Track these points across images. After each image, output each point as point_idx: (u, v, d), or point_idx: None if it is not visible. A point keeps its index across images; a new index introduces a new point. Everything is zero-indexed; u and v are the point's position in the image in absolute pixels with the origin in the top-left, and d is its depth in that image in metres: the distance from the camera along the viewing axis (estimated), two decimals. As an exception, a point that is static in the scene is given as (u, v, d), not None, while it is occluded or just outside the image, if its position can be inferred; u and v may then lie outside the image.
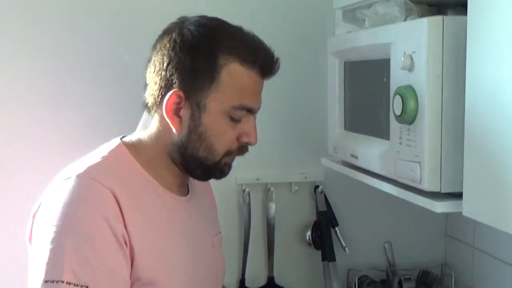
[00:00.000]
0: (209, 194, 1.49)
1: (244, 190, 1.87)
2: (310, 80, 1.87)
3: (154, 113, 1.22)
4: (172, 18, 1.23)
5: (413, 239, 1.97)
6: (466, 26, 1.10)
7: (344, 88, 1.65)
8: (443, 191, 1.19)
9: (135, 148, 1.24)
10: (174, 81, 1.17)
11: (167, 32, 1.21)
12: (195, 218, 1.31)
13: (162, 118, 1.20)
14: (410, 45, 1.21)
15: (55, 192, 1.13)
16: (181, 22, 1.21)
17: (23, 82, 1.76)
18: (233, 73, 1.17)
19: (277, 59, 1.23)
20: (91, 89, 1.78)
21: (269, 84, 1.77)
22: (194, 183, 1.36)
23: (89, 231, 1.08)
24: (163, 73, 1.18)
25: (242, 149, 1.24)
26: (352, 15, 1.69)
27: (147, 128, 1.24)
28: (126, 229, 1.11)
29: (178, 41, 1.17)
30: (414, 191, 1.25)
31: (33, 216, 1.17)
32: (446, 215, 1.92)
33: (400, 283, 1.86)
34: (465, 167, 1.12)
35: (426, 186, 1.19)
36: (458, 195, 1.16)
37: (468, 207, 1.12)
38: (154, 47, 1.22)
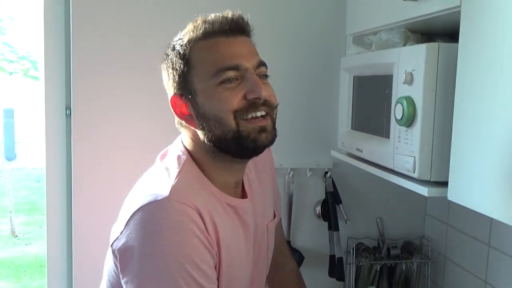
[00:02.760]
0: (267, 168, 1.29)
1: (270, 173, 1.86)
2: (325, 89, 1.86)
3: (180, 126, 1.10)
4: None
5: (399, 216, 1.95)
6: (456, 52, 1.09)
7: (353, 96, 1.64)
8: (432, 179, 1.18)
9: (197, 159, 1.06)
10: (170, 91, 1.07)
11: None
12: (252, 215, 1.15)
13: (184, 126, 1.08)
14: (411, 64, 1.20)
15: (141, 219, 0.93)
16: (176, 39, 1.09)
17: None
18: (199, 50, 1.02)
19: (238, 15, 1.04)
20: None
21: (292, 90, 1.81)
22: (251, 172, 1.19)
23: (191, 256, 0.92)
24: (167, 90, 1.09)
25: (253, 105, 1.01)
26: (360, 40, 1.68)
27: (185, 141, 1.09)
28: (211, 245, 0.98)
29: (164, 62, 1.08)
30: (409, 179, 1.24)
31: (114, 245, 0.97)
32: (426, 198, 1.90)
33: (388, 249, 1.85)
34: (451, 161, 1.11)
35: (419, 175, 1.19)
36: (443, 183, 1.15)
37: (452, 193, 1.11)
38: None
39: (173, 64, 1.04)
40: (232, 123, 1.00)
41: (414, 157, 1.19)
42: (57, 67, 1.73)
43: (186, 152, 1.07)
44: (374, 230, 1.94)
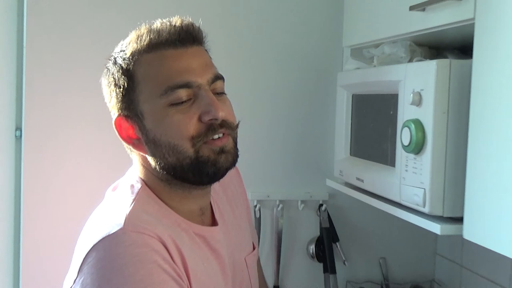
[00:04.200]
0: (238, 196, 1.31)
1: (256, 206, 1.88)
2: (319, 109, 1.89)
3: (130, 152, 1.10)
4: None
5: (405, 255, 1.98)
6: (470, 69, 1.13)
7: (351, 118, 1.68)
8: (445, 215, 1.21)
9: (150, 188, 1.07)
10: (113, 111, 1.07)
11: None
12: (226, 246, 1.14)
13: (132, 151, 1.09)
14: (419, 83, 1.24)
15: (96, 260, 0.92)
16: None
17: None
18: (145, 64, 1.01)
19: (187, 22, 1.04)
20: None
21: (282, 110, 1.84)
22: (220, 198, 1.21)
23: None
24: (110, 110, 1.08)
25: (211, 128, 1.01)
26: (359, 53, 1.72)
27: (137, 168, 1.10)
28: (181, 277, 0.96)
29: (104, 76, 1.08)
30: (418, 214, 1.26)
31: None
32: (437, 236, 1.94)
33: (393, 295, 1.87)
34: (466, 194, 1.14)
35: (430, 210, 1.21)
36: (457, 219, 1.19)
37: (468, 231, 1.14)
38: None
39: (115, 81, 1.04)
40: (189, 150, 1.01)
41: (424, 188, 1.22)
42: (7, 82, 1.75)
43: (140, 181, 1.08)
44: (376, 272, 1.96)
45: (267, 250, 1.91)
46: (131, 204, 1.01)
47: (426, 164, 1.21)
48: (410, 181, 1.27)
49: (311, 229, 1.93)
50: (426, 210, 1.22)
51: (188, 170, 1.02)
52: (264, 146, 1.87)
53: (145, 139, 1.03)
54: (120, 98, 1.04)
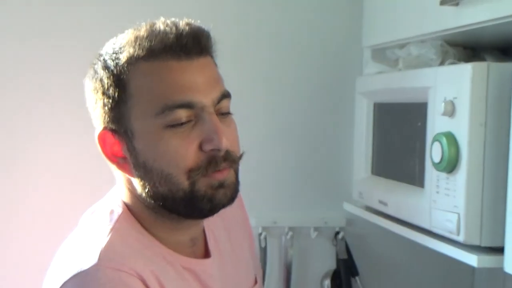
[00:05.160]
0: (238, 222, 1.30)
1: (261, 234, 1.87)
2: (335, 120, 1.89)
3: (112, 169, 1.07)
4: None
5: (437, 292, 1.97)
6: (511, 74, 1.13)
7: (373, 130, 1.68)
8: (483, 244, 1.20)
9: (133, 214, 1.06)
10: (97, 122, 1.04)
11: None
12: (221, 279, 1.13)
13: (116, 170, 1.06)
14: (451, 90, 1.23)
15: None
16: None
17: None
18: (141, 74, 0.99)
19: (196, 28, 1.01)
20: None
21: (291, 121, 1.84)
22: (216, 225, 1.20)
23: None
24: (92, 118, 1.06)
25: (212, 161, 0.99)
26: (382, 55, 1.72)
27: (120, 189, 1.09)
28: None
29: (90, 79, 1.05)
30: (451, 244, 1.25)
31: None
32: (474, 270, 1.92)
33: None
34: (507, 220, 1.13)
35: (465, 238, 1.20)
36: (497, 250, 1.17)
37: (510, 263, 1.12)
38: None
39: (103, 88, 1.01)
40: (184, 183, 0.99)
41: (458, 213, 1.21)
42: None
43: (122, 205, 1.06)
44: (403, 312, 1.95)
45: (275, 286, 1.90)
46: (108, 234, 0.99)
47: (461, 185, 1.20)
48: (442, 205, 1.26)
49: (326, 261, 1.92)
50: (460, 238, 1.21)
51: (180, 203, 1.01)
52: (271, 163, 1.87)
53: (133, 161, 1.01)
54: (107, 110, 1.01)
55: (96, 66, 1.04)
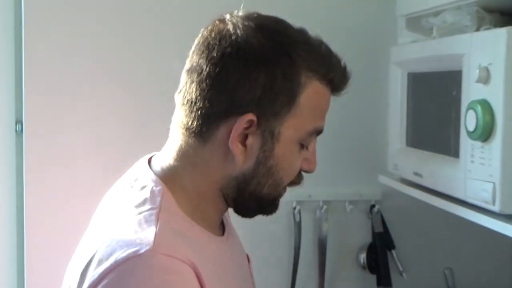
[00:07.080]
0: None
1: (295, 208, 1.88)
2: (369, 91, 1.88)
3: (202, 141, 1.03)
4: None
5: (476, 265, 1.96)
6: (548, 37, 1.11)
7: (407, 101, 1.66)
8: (519, 214, 1.19)
9: (175, 190, 1.04)
10: (243, 102, 1.00)
11: (218, 35, 1.02)
12: (235, 257, 1.18)
13: (216, 146, 1.03)
14: (486, 56, 1.22)
15: (118, 277, 0.91)
16: (233, 24, 1.02)
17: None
18: (312, 94, 1.03)
19: (350, 73, 1.09)
20: (138, 98, 1.82)
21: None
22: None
23: None
24: (226, 92, 1.00)
25: (300, 178, 1.11)
26: (416, 23, 1.70)
27: (188, 158, 1.05)
28: None
29: (243, 49, 0.99)
30: (487, 214, 1.24)
31: None
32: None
33: (462, 313, 1.85)
34: (545, 189, 1.12)
35: (501, 208, 1.19)
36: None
37: (548, 233, 1.12)
38: (201, 54, 1.03)
39: (272, 80, 1.00)
40: (281, 191, 1.09)
41: (494, 182, 1.20)
42: (5, 73, 1.81)
43: (160, 182, 1.04)
44: (441, 285, 1.93)
45: (309, 260, 1.92)
46: (157, 217, 0.98)
47: (496, 153, 1.19)
48: (477, 174, 1.25)
49: (362, 235, 1.93)
50: (496, 208, 1.20)
51: (259, 203, 1.09)
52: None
53: (260, 158, 1.03)
54: (267, 104, 1.00)
55: (264, 49, 1.01)
